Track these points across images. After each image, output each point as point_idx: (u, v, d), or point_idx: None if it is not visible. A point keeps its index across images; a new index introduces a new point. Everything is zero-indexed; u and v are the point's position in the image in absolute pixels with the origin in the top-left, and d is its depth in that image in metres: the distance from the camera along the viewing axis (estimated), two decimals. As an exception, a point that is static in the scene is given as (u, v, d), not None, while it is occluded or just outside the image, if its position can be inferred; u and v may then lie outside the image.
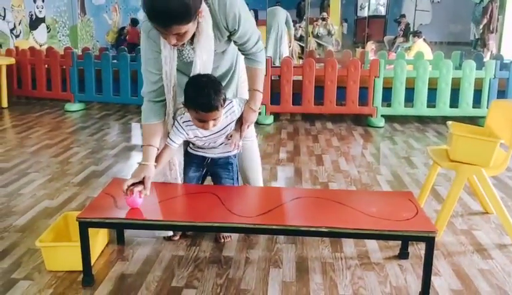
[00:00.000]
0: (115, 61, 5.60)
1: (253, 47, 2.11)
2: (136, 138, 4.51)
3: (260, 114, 5.04)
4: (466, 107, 4.98)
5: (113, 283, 2.02)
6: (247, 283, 2.02)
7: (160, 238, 2.38)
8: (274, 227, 1.92)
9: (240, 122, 2.21)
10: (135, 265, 2.15)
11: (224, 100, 2.03)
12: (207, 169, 2.36)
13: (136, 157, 3.86)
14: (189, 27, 1.83)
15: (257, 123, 5.00)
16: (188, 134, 2.13)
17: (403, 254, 2.23)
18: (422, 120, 5.25)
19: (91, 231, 1.97)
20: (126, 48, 6.16)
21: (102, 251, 2.26)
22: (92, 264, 2.04)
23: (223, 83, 2.29)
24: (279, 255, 2.25)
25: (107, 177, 3.23)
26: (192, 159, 2.32)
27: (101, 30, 11.15)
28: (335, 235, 2.15)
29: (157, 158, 2.10)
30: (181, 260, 2.20)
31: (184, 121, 2.10)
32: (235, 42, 2.10)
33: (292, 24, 7.77)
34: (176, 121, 2.12)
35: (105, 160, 3.72)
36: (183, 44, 1.98)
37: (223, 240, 2.37)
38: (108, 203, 2.05)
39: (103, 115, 5.43)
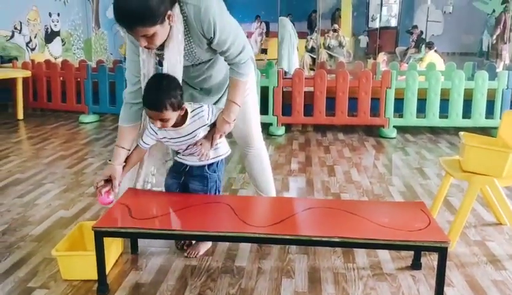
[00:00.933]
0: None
1: (235, 57, 2.08)
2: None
3: (271, 124, 5.07)
4: (479, 118, 4.96)
5: (127, 292, 2.04)
6: (259, 293, 2.03)
7: (173, 248, 2.40)
8: (286, 237, 1.94)
9: (212, 131, 2.19)
10: (148, 275, 2.18)
11: (178, 104, 2.00)
12: (185, 179, 2.32)
13: (150, 168, 3.90)
14: (157, 30, 1.85)
15: (269, 135, 5.03)
16: (157, 134, 2.15)
17: (416, 265, 2.23)
18: (434, 130, 5.23)
19: (106, 241, 2.00)
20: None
21: (116, 261, 2.29)
22: (106, 273, 2.07)
23: (220, 93, 2.35)
24: (291, 266, 2.26)
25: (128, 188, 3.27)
26: (173, 166, 2.37)
27: (115, 43, 11.31)
28: (347, 245, 2.15)
29: (127, 159, 2.23)
30: (194, 270, 2.22)
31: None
32: (216, 50, 2.09)
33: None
34: (148, 123, 2.14)
35: (119, 170, 3.76)
36: (160, 48, 2.00)
37: (188, 251, 2.35)
38: (123, 213, 2.08)
39: (117, 126, 5.46)
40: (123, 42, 11.70)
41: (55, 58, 8.24)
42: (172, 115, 2.02)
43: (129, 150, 2.23)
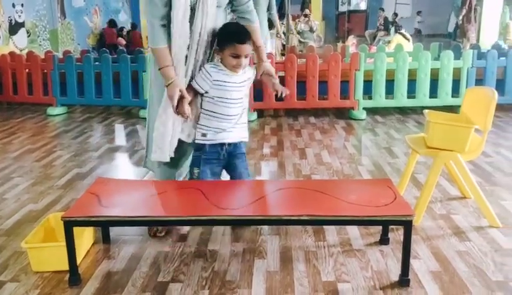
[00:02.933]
0: (97, 63, 5.58)
1: (248, 1, 2.38)
2: (120, 139, 4.52)
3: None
4: (446, 97, 5.08)
5: (99, 281, 2.04)
6: (232, 275, 2.06)
7: (146, 235, 2.40)
8: (257, 218, 1.97)
9: (267, 79, 2.47)
10: (121, 263, 2.18)
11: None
12: (225, 162, 2.41)
13: (121, 158, 3.87)
14: None
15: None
16: (211, 76, 2.26)
17: (384, 240, 2.29)
18: (403, 111, 5.33)
19: (76, 230, 1.99)
20: (107, 50, 6.13)
21: (88, 251, 2.28)
22: (78, 263, 2.06)
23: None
24: (263, 247, 2.29)
25: (91, 179, 3.24)
26: (208, 156, 2.36)
27: (82, 33, 11.07)
28: (316, 223, 2.20)
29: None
30: (167, 255, 2.23)
31: (211, 66, 2.28)
32: (238, 3, 2.36)
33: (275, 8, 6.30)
34: (203, 68, 2.28)
35: (89, 162, 3.73)
36: None
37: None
38: (93, 202, 2.07)
39: (86, 118, 5.41)
40: (90, 31, 11.48)
41: (20, 50, 8.03)
42: (250, 51, 2.27)
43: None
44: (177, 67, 2.25)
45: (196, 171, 2.38)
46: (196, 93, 2.32)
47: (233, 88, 2.29)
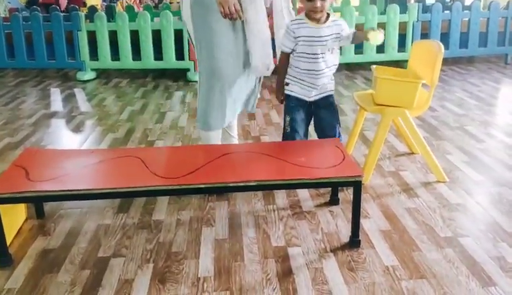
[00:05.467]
0: (27, 22, 5.14)
1: None
2: (57, 104, 4.22)
3: (189, 70, 4.86)
4: (392, 52, 5.08)
5: (33, 260, 1.88)
6: (178, 245, 1.96)
7: (85, 209, 2.24)
8: (201, 186, 1.85)
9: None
10: (57, 239, 2.02)
11: None
12: (312, 113, 2.38)
13: (57, 125, 3.62)
14: None
15: (187, 81, 4.85)
16: (294, 33, 2.21)
17: (333, 201, 2.25)
18: (351, 67, 5.30)
19: (4, 207, 1.81)
20: (38, 9, 5.66)
21: (20, 227, 2.10)
22: (8, 243, 1.89)
23: None
24: (211, 214, 2.20)
25: (24, 149, 3.00)
26: (296, 104, 2.33)
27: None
28: (264, 188, 2.12)
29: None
30: (108, 229, 2.09)
31: (293, 22, 2.23)
32: None
33: None
34: (287, 27, 2.24)
35: (22, 130, 3.45)
36: None
37: None
38: (19, 176, 1.88)
39: (19, 82, 5.03)
40: (21, -12, 10.63)
41: None
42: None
43: None
44: None
45: (287, 118, 2.35)
46: None
47: (316, 43, 2.20)
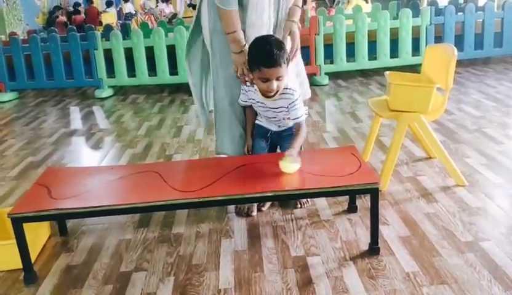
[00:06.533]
0: (46, 43, 5.27)
1: None
2: (76, 122, 4.31)
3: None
4: (406, 56, 5.06)
5: (58, 276, 1.92)
6: (198, 258, 1.98)
7: (106, 224, 2.28)
8: (219, 198, 1.87)
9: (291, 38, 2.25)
10: (80, 255, 2.06)
11: (287, 59, 2.05)
12: (272, 141, 2.33)
13: (77, 143, 3.69)
14: None
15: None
16: (247, 92, 2.18)
17: (351, 208, 2.25)
18: (365, 73, 5.29)
19: (29, 225, 1.85)
20: (55, 30, 5.80)
21: (44, 245, 2.15)
22: (33, 260, 1.94)
23: None
24: (230, 225, 2.21)
25: (46, 167, 3.07)
26: (257, 130, 2.31)
27: (30, 13, 10.52)
28: (280, 198, 2.13)
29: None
30: (129, 243, 2.12)
31: (249, 84, 2.15)
32: None
33: None
34: (242, 85, 2.19)
35: (43, 149, 3.53)
36: None
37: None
38: (42, 195, 1.93)
39: (39, 102, 5.15)
40: (39, 10, 10.92)
41: (-38, 35, 7.54)
42: (285, 72, 2.03)
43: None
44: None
45: (251, 143, 2.32)
46: None
47: (269, 112, 2.19)
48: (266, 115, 2.23)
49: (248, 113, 2.30)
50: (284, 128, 2.28)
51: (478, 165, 2.66)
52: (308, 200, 2.33)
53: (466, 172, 2.55)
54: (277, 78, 2.02)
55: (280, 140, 2.31)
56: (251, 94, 2.18)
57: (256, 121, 2.32)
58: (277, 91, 2.08)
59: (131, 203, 1.86)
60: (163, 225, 2.26)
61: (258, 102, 2.18)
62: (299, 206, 2.32)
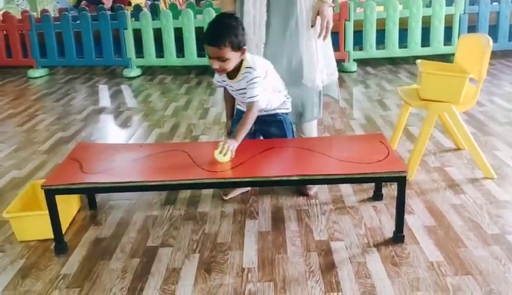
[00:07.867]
0: (77, 22, 5.34)
1: None
2: (105, 100, 4.38)
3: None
4: (438, 45, 4.96)
5: (87, 248, 1.98)
6: (223, 237, 2.01)
7: (134, 200, 2.34)
8: (245, 179, 1.89)
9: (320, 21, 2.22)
10: (108, 229, 2.12)
11: (238, 44, 1.93)
12: (256, 128, 2.23)
13: (106, 120, 3.76)
14: None
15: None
16: (219, 75, 2.11)
17: (377, 196, 2.24)
18: (394, 61, 5.21)
19: (60, 198, 1.91)
20: (86, 8, 5.87)
21: (74, 218, 2.21)
22: (64, 231, 2.00)
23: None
24: (255, 207, 2.24)
25: (75, 143, 3.13)
26: (237, 115, 2.26)
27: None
28: (306, 182, 2.13)
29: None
30: (156, 219, 2.17)
31: None
32: None
33: None
34: None
35: (73, 125, 3.61)
36: None
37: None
38: (74, 169, 1.98)
39: (69, 79, 5.24)
40: (69, -12, 11.02)
41: (-3, 11, 7.69)
42: (231, 55, 1.93)
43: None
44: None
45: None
46: None
47: (236, 94, 2.15)
48: (236, 97, 2.19)
49: (225, 95, 2.27)
50: (264, 114, 2.17)
51: (508, 158, 2.61)
52: (316, 192, 2.32)
53: (495, 165, 2.51)
54: (219, 59, 1.94)
55: (265, 126, 2.22)
56: (221, 77, 2.13)
57: (237, 106, 2.28)
58: (236, 72, 2.02)
59: (160, 180, 1.90)
60: (189, 203, 2.30)
61: (224, 82, 2.14)
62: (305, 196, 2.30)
